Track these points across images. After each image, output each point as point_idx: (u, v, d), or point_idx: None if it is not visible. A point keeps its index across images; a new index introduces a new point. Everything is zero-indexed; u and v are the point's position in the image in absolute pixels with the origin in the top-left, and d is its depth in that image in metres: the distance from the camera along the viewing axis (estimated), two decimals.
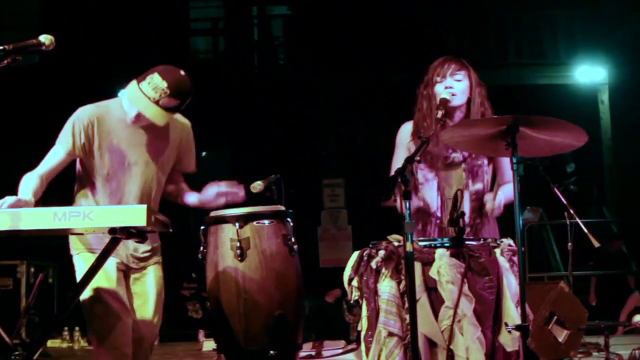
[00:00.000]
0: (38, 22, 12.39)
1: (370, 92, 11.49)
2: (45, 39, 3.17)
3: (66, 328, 9.12)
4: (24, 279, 8.27)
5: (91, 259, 3.48)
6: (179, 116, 3.90)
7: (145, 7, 11.95)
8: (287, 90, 11.89)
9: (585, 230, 6.53)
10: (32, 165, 3.67)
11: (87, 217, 3.03)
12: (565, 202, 6.40)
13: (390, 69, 11.15)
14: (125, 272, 3.77)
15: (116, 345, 3.60)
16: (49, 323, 3.30)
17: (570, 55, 12.08)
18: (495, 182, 4.07)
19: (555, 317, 6.28)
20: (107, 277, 3.63)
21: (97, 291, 3.61)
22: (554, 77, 11.80)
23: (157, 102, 3.58)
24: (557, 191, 6.29)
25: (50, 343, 8.95)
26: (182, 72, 3.66)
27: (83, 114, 3.69)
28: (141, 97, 3.59)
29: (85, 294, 3.57)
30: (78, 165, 3.79)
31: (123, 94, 3.71)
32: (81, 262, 3.70)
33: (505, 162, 4.00)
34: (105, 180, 3.71)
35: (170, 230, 3.45)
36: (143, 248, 3.80)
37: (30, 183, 3.54)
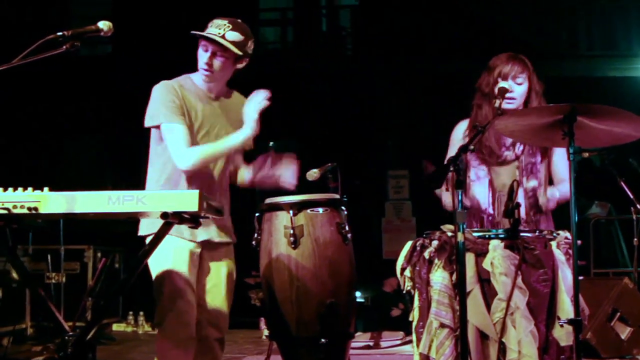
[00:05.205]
0: (111, 11, 12.58)
1: (435, 82, 11.37)
2: (103, 25, 3.23)
3: (131, 312, 9.26)
4: (91, 264, 8.47)
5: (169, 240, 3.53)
6: (238, 94, 3.98)
7: None
8: (354, 81, 11.86)
9: None
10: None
11: (140, 201, 3.04)
12: (632, 196, 6.27)
13: (456, 58, 11.02)
14: (200, 254, 3.77)
15: (179, 330, 3.63)
16: (101, 305, 3.32)
17: None
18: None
19: (619, 314, 6.17)
20: (180, 261, 3.66)
21: (170, 274, 3.63)
22: (625, 69, 11.48)
23: (223, 37, 3.70)
24: (624, 185, 6.16)
25: (115, 327, 9.13)
26: None
27: (167, 85, 3.76)
28: (211, 37, 3.70)
29: (159, 277, 3.64)
30: (157, 139, 3.79)
31: None
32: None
33: (559, 160, 3.94)
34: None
35: (223, 215, 3.46)
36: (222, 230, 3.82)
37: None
